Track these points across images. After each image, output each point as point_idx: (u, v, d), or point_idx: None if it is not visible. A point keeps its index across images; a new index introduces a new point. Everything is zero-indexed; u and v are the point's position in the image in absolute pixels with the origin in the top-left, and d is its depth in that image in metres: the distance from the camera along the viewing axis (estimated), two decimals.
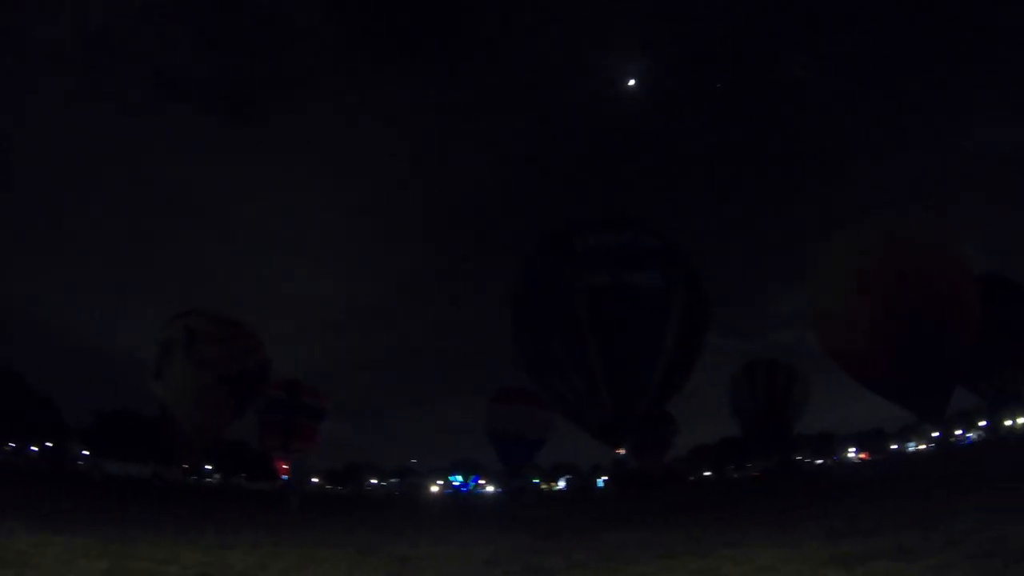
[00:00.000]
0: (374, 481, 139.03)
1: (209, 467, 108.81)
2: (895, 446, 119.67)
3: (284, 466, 58.49)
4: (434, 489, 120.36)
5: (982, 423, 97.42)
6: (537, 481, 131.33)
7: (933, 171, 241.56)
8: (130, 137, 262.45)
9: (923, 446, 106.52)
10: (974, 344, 34.99)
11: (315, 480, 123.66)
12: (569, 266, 30.73)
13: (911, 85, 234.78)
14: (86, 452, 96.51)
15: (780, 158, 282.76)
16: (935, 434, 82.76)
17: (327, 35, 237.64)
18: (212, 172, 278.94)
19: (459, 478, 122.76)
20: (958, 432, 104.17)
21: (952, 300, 32.28)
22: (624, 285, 30.06)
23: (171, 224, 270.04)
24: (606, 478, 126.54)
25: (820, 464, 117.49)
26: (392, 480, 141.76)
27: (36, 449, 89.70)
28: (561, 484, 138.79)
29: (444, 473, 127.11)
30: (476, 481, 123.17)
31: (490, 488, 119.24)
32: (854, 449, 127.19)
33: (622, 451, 35.99)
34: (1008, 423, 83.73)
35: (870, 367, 34.98)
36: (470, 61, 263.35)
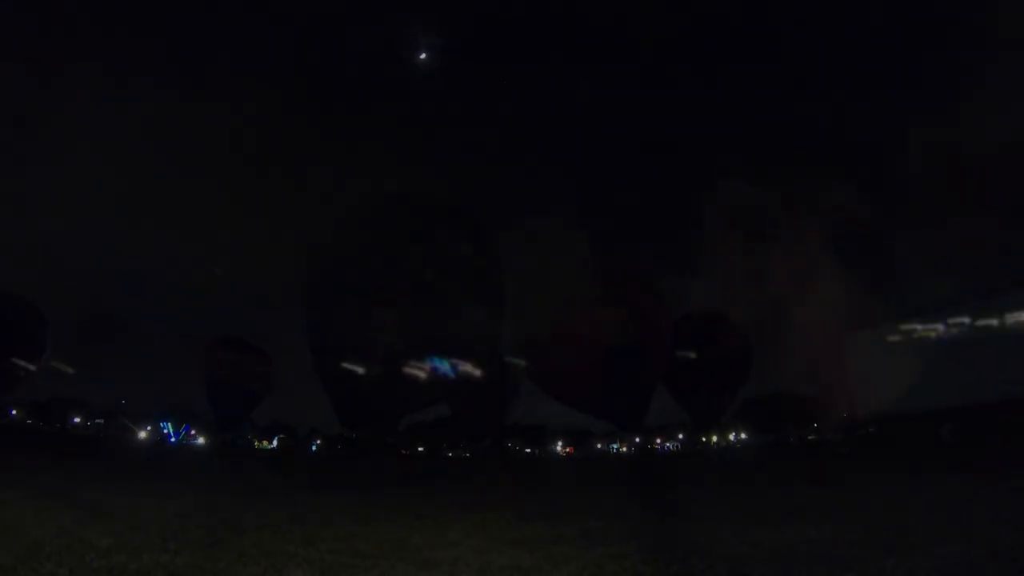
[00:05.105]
0: (77, 420, 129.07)
1: None
2: (600, 445, 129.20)
3: None
4: (142, 435, 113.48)
5: (680, 436, 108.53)
6: (250, 437, 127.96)
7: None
8: None
9: (624, 448, 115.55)
10: (668, 369, 38.94)
11: (14, 412, 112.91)
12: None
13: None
14: None
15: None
16: (636, 439, 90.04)
17: None
18: None
19: (169, 426, 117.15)
20: (658, 441, 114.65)
21: (645, 332, 35.70)
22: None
23: None
24: (319, 441, 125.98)
25: (528, 452, 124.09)
26: (98, 420, 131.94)
27: None
28: (274, 443, 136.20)
29: (155, 419, 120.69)
30: (187, 431, 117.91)
31: (201, 439, 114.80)
32: (561, 443, 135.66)
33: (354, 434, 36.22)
34: (704, 439, 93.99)
35: (568, 389, 37.88)
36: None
